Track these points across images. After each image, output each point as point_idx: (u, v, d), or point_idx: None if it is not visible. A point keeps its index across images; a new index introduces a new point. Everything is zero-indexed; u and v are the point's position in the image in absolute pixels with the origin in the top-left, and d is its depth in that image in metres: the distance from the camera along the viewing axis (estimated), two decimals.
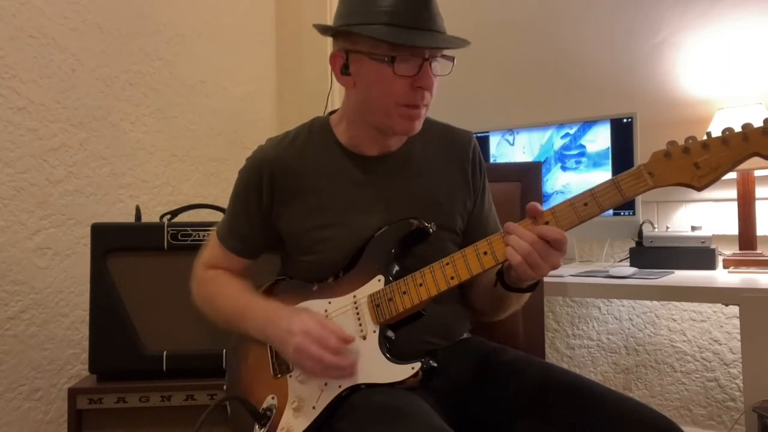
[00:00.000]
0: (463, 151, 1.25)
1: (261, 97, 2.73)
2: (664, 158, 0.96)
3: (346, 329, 1.06)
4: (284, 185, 1.19)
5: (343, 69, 1.12)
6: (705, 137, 0.95)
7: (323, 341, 1.02)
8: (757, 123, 0.93)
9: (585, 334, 2.32)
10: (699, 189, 0.95)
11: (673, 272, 1.78)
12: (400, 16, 1.04)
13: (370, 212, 1.16)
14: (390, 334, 1.07)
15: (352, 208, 1.17)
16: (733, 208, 1.89)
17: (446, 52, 1.10)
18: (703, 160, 0.94)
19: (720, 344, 2.08)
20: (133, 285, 1.63)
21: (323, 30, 1.15)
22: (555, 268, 0.99)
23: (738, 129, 0.93)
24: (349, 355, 1.04)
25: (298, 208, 1.19)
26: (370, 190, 1.18)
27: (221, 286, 1.24)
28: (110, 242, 1.63)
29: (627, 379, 2.24)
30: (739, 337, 1.87)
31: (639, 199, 1.93)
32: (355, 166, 1.19)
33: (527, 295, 1.16)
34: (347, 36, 1.10)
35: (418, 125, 1.14)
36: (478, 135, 1.86)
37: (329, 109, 1.29)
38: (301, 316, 1.07)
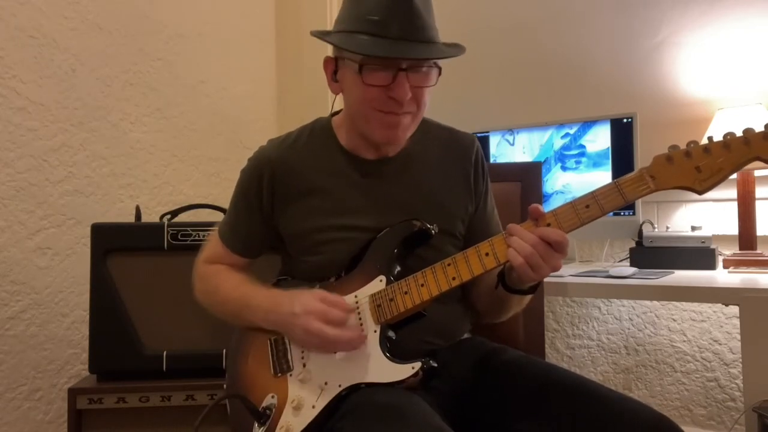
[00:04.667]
0: (466, 155, 1.25)
1: (261, 98, 2.73)
2: (665, 162, 0.97)
3: None
4: (285, 186, 1.19)
5: (333, 75, 1.14)
6: (707, 141, 0.95)
7: (326, 316, 1.03)
8: (758, 127, 0.93)
9: (585, 334, 2.32)
10: (700, 193, 0.96)
11: (673, 272, 1.78)
12: (379, 25, 1.03)
13: (371, 215, 1.16)
14: (391, 334, 1.08)
15: (353, 211, 1.17)
16: (733, 208, 1.89)
17: (434, 61, 1.08)
18: (704, 164, 0.94)
19: (720, 344, 2.08)
20: (133, 285, 1.63)
21: (315, 33, 1.15)
22: (556, 270, 1.00)
23: (739, 133, 0.93)
24: (353, 327, 1.05)
25: (300, 210, 1.19)
26: (371, 194, 1.18)
27: (222, 280, 1.24)
28: (110, 242, 1.63)
29: (627, 379, 2.24)
30: (739, 337, 1.87)
31: (639, 200, 1.93)
32: (356, 169, 1.19)
33: (528, 297, 1.16)
34: None
35: (402, 134, 1.12)
36: (478, 135, 1.86)
37: (332, 110, 1.29)
38: (301, 298, 1.08)
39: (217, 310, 1.24)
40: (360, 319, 1.08)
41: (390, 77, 1.05)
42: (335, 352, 1.07)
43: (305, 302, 1.06)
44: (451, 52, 1.07)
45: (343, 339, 1.04)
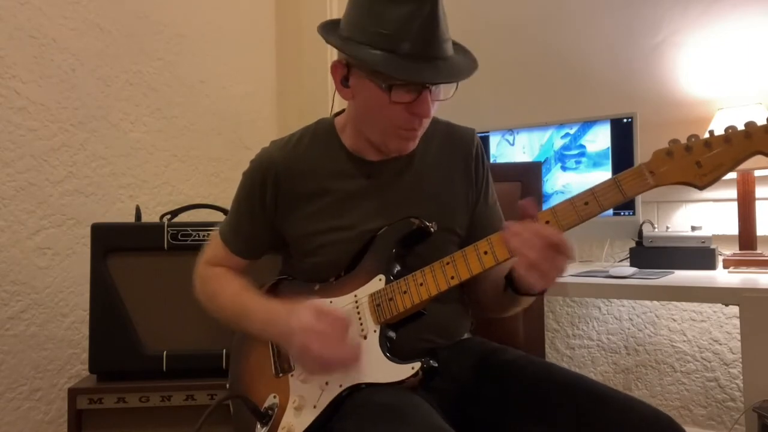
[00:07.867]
0: (466, 149, 1.25)
1: (261, 97, 2.73)
2: (665, 157, 0.95)
3: None
4: (289, 188, 1.19)
5: (343, 80, 1.11)
6: (707, 135, 0.94)
7: (324, 338, 1.01)
8: (760, 121, 0.92)
9: (585, 334, 2.32)
10: (701, 188, 0.94)
11: (673, 272, 1.78)
12: (402, 44, 1.01)
13: (374, 216, 1.16)
14: (391, 333, 1.07)
15: (357, 213, 1.16)
16: (733, 208, 1.89)
17: None
18: (705, 159, 0.93)
19: (720, 344, 2.08)
20: (133, 285, 1.63)
21: (326, 37, 1.12)
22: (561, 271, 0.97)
23: (741, 127, 0.92)
24: (351, 346, 1.03)
25: (303, 212, 1.18)
26: (374, 194, 1.18)
27: (222, 285, 1.23)
28: (110, 242, 1.63)
29: (627, 379, 2.24)
30: (739, 337, 1.87)
31: (639, 199, 1.93)
32: (359, 170, 1.19)
33: (533, 297, 1.15)
34: None
35: (413, 145, 1.14)
36: (478, 135, 1.86)
37: (333, 110, 1.28)
38: (298, 313, 1.04)
39: (215, 314, 1.23)
40: (360, 319, 1.08)
41: (415, 94, 1.05)
42: (329, 372, 1.05)
43: (301, 319, 1.02)
44: (472, 67, 1.09)
45: (339, 359, 1.01)
